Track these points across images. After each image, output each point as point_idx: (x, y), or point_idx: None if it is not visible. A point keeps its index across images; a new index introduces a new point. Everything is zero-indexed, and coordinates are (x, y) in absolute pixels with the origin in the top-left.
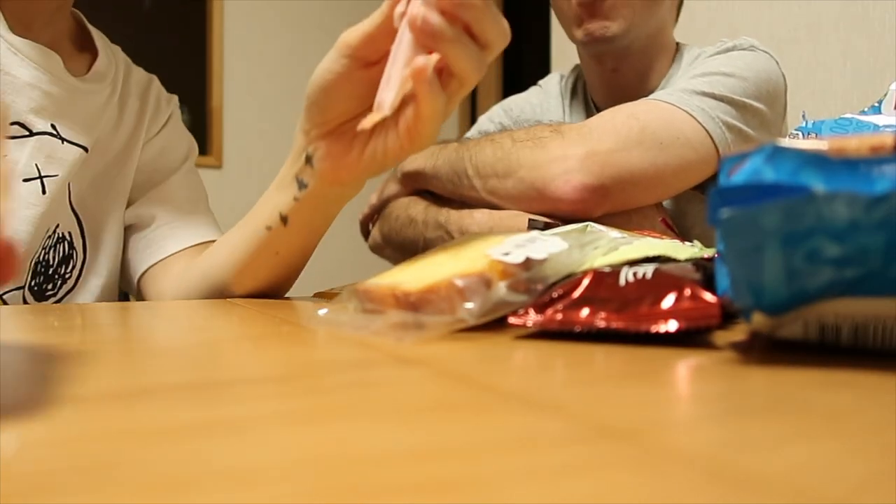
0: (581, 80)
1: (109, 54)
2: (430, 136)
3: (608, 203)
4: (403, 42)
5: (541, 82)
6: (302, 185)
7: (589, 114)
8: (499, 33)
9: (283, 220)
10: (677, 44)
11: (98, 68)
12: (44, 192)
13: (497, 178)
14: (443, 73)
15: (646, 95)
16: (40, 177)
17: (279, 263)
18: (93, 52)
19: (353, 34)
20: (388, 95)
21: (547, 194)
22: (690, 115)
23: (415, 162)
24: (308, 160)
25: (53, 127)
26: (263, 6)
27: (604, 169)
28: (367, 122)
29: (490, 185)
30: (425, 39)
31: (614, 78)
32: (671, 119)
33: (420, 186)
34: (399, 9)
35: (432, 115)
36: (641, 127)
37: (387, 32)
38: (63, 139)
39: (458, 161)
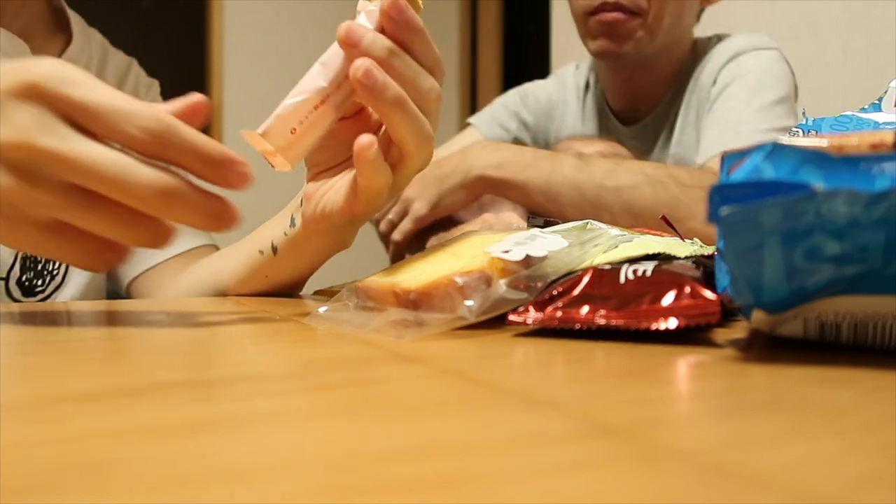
0: (593, 74)
1: (84, 39)
2: (375, 208)
3: None
4: (330, 66)
5: (557, 72)
6: (292, 223)
7: (602, 113)
8: (436, 61)
9: (274, 249)
10: (694, 42)
11: (70, 54)
12: None
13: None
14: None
15: (658, 100)
16: None
17: (267, 286)
18: (68, 36)
19: None
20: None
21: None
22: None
23: (500, 169)
24: (301, 200)
25: None
26: (263, 5)
27: None
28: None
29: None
30: (365, 95)
31: (628, 86)
32: None
33: (505, 195)
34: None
35: (375, 192)
36: None
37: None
38: None
39: (593, 187)
